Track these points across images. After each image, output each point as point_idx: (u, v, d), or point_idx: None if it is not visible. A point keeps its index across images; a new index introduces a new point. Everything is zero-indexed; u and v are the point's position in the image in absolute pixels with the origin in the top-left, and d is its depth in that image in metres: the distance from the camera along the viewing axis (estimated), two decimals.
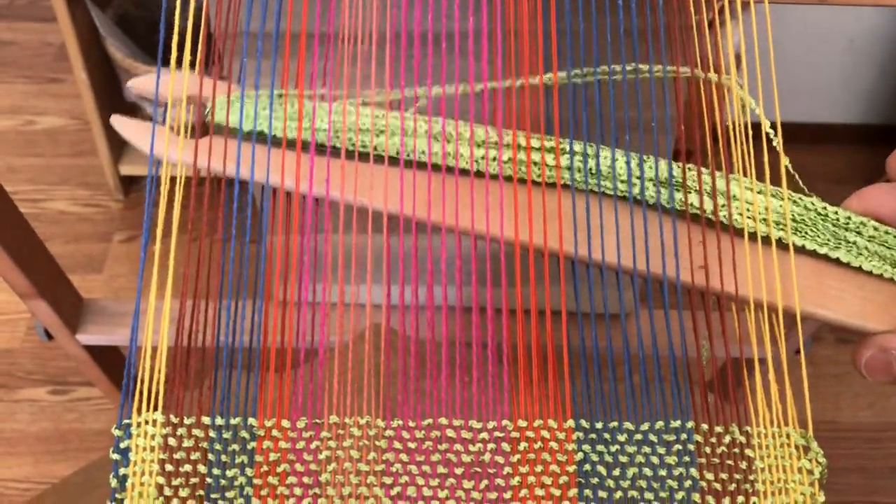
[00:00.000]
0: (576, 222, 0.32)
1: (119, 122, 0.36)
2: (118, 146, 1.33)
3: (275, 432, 0.30)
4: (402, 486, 0.30)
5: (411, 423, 0.30)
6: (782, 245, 0.32)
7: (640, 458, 0.30)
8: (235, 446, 0.30)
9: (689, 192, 0.32)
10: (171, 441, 0.29)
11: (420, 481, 0.30)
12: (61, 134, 1.50)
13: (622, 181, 0.33)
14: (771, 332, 0.32)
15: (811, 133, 1.47)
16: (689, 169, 0.33)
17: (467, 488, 0.30)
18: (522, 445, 0.30)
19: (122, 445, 0.29)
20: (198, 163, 0.33)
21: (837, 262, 0.33)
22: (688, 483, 0.29)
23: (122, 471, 0.29)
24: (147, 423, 0.29)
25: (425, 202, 0.32)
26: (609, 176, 0.33)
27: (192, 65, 0.33)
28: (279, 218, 0.33)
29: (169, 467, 0.29)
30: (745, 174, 0.33)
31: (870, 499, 1.14)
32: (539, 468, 0.30)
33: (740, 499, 0.29)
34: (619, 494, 0.29)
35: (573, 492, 0.29)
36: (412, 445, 0.30)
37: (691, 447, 0.30)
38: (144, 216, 0.31)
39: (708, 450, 0.30)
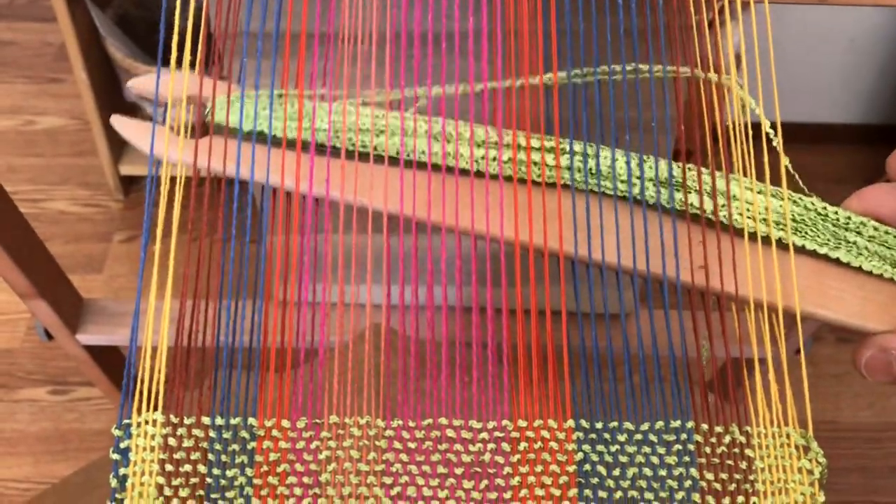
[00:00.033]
0: (575, 222, 0.32)
1: (119, 122, 0.36)
2: (118, 146, 1.33)
3: (275, 432, 0.30)
4: (402, 486, 0.30)
5: (411, 423, 0.30)
6: (782, 245, 0.32)
7: (640, 458, 0.30)
8: (235, 446, 0.30)
9: (689, 192, 0.32)
10: (171, 441, 0.29)
11: (420, 481, 0.30)
12: (61, 134, 1.50)
13: (622, 181, 0.33)
14: (771, 331, 0.32)
15: (811, 133, 1.47)
16: (689, 169, 0.33)
17: (467, 488, 0.30)
18: (522, 445, 0.30)
19: (122, 445, 0.29)
20: (197, 163, 0.33)
21: (837, 262, 0.33)
22: (688, 483, 0.29)
23: (122, 471, 0.29)
24: (147, 423, 0.29)
25: (425, 202, 0.32)
26: (609, 176, 0.33)
27: (193, 65, 0.33)
28: (279, 218, 0.33)
29: (169, 467, 0.29)
30: (745, 174, 0.33)
31: (870, 498, 1.14)
32: (539, 468, 0.30)
33: (740, 499, 0.29)
34: (619, 494, 0.29)
35: (573, 492, 0.29)
36: (412, 445, 0.30)
37: (691, 447, 0.30)
38: (144, 216, 0.31)
39: (708, 450, 0.30)
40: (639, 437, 0.30)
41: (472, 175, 0.33)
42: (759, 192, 0.33)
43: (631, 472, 0.30)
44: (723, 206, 0.32)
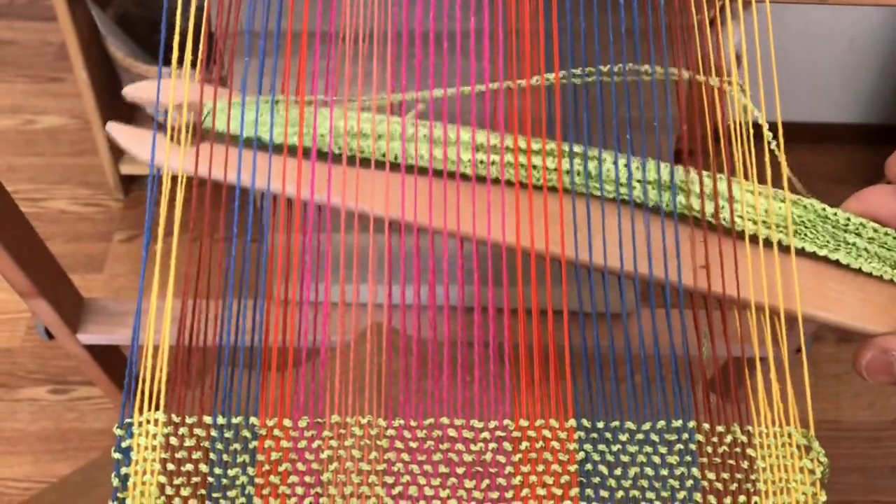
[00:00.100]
0: (576, 226, 0.32)
1: (115, 130, 0.35)
2: (118, 145, 1.33)
3: (276, 431, 0.30)
4: (404, 486, 0.30)
5: (413, 423, 0.30)
6: (783, 247, 0.32)
7: (641, 458, 0.30)
8: (237, 445, 0.30)
9: (691, 196, 0.32)
10: (173, 440, 0.29)
11: (422, 481, 0.30)
12: (62, 133, 1.50)
13: (623, 185, 0.33)
14: (772, 331, 0.32)
15: (812, 133, 1.47)
16: (690, 172, 0.33)
17: (469, 488, 0.30)
18: (524, 445, 0.30)
19: (123, 444, 0.29)
20: (195, 170, 0.33)
21: (837, 263, 0.33)
22: (689, 483, 0.29)
23: (123, 470, 0.29)
24: (149, 422, 0.29)
25: (426, 208, 0.32)
26: (610, 179, 0.33)
27: (194, 64, 0.33)
28: (280, 217, 0.33)
29: (171, 466, 0.29)
30: (745, 175, 0.33)
31: (870, 498, 1.14)
32: (541, 468, 0.30)
33: (742, 498, 0.29)
34: (620, 494, 0.29)
35: (575, 491, 0.29)
36: (414, 445, 0.30)
37: (693, 447, 0.30)
38: (146, 215, 0.31)
39: (709, 449, 0.30)
40: (640, 436, 0.30)
41: (473, 180, 0.33)
42: (760, 195, 0.33)
43: (632, 471, 0.30)
44: (723, 208, 0.32)
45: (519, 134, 0.33)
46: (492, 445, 0.30)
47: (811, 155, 1.46)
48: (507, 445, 0.30)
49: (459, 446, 0.30)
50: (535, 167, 0.33)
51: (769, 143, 0.33)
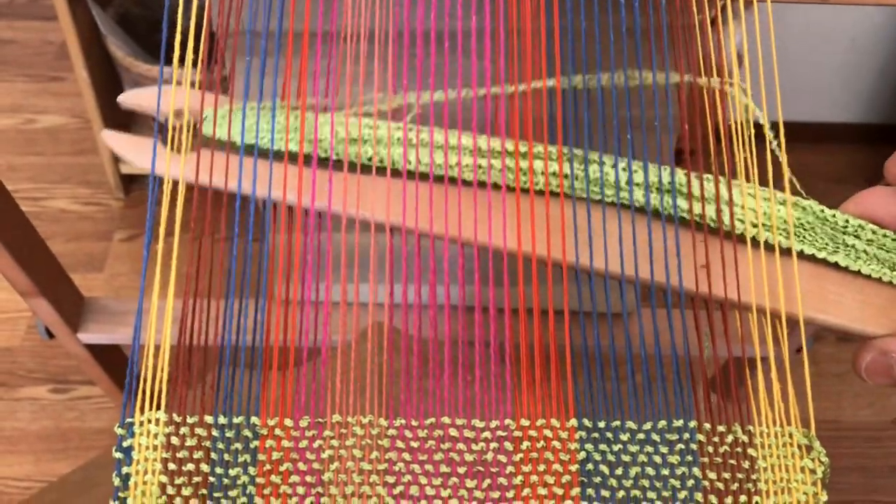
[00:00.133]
0: (577, 231, 0.32)
1: (111, 138, 0.35)
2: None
3: (277, 431, 0.30)
4: (405, 486, 0.30)
5: (414, 422, 0.30)
6: (783, 250, 0.32)
7: (642, 458, 0.30)
8: (238, 445, 0.30)
9: (691, 198, 0.32)
10: (174, 440, 0.29)
11: (423, 480, 0.30)
12: (62, 132, 1.50)
13: (623, 189, 0.33)
14: (773, 331, 0.32)
15: (812, 132, 1.47)
16: (693, 177, 0.33)
17: (470, 487, 0.30)
18: (525, 445, 0.30)
19: (125, 444, 0.29)
20: (191, 176, 0.32)
21: (836, 266, 0.33)
22: (690, 483, 0.29)
23: (125, 469, 0.29)
24: (150, 421, 0.29)
25: (427, 214, 0.32)
26: (610, 183, 0.33)
27: (195, 63, 0.33)
28: (281, 217, 0.33)
29: (172, 466, 0.29)
30: (746, 175, 0.33)
31: (870, 497, 1.14)
32: (542, 467, 0.30)
33: (743, 498, 0.29)
34: (621, 494, 0.29)
35: (576, 491, 0.29)
36: (415, 444, 0.30)
37: (694, 446, 0.30)
38: (147, 215, 0.31)
39: (710, 449, 0.30)
40: (641, 436, 0.30)
41: (474, 185, 0.33)
42: (760, 198, 0.33)
43: (633, 471, 0.30)
44: (723, 211, 0.32)
45: (520, 138, 0.33)
46: (493, 445, 0.30)
47: (812, 154, 1.46)
48: (508, 445, 0.30)
49: (461, 446, 0.30)
50: (535, 172, 0.33)
51: (770, 142, 0.33)
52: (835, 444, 1.18)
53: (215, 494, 0.29)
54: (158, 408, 0.30)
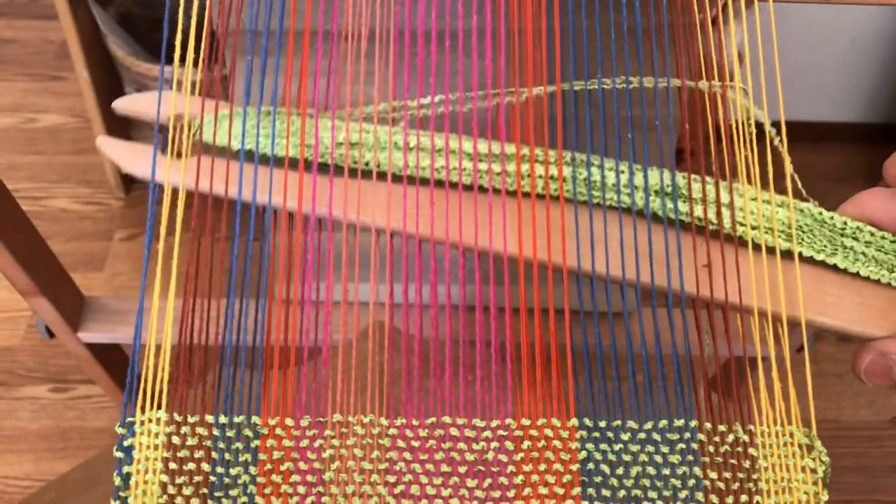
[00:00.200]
0: (578, 235, 0.32)
1: (107, 145, 0.35)
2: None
3: (278, 430, 0.30)
4: (406, 485, 0.30)
5: (415, 422, 0.30)
6: (782, 252, 0.32)
7: (643, 457, 0.30)
8: (239, 444, 0.30)
9: (694, 202, 0.32)
10: (175, 439, 0.29)
11: (423, 480, 0.30)
12: (62, 132, 1.50)
13: (624, 192, 0.33)
14: (773, 330, 0.32)
15: (813, 132, 1.47)
16: (694, 180, 0.33)
17: (471, 487, 0.30)
18: (526, 444, 0.30)
19: (125, 443, 0.29)
20: (190, 182, 0.32)
21: (835, 268, 0.33)
22: (691, 482, 0.29)
23: (125, 469, 0.29)
24: (151, 421, 0.29)
25: (427, 220, 0.32)
26: (610, 187, 0.33)
27: (195, 63, 0.33)
28: (282, 217, 0.33)
29: (173, 465, 0.29)
30: (748, 175, 0.33)
31: (870, 497, 1.14)
32: (542, 467, 0.30)
33: (744, 498, 0.29)
34: (622, 493, 0.29)
35: (577, 491, 0.29)
36: (416, 444, 0.30)
37: (695, 446, 0.30)
38: (148, 214, 0.31)
39: (711, 448, 0.30)
40: (642, 435, 0.30)
41: (475, 190, 0.33)
42: (764, 201, 0.33)
43: (634, 470, 0.30)
44: (724, 211, 0.32)
45: (520, 141, 0.33)
46: (494, 444, 0.30)
47: (812, 154, 1.46)
48: (509, 444, 0.30)
49: (461, 445, 0.30)
50: (536, 176, 0.33)
51: (772, 140, 0.33)
52: (834, 443, 1.18)
53: (216, 494, 0.29)
54: (159, 407, 0.30)
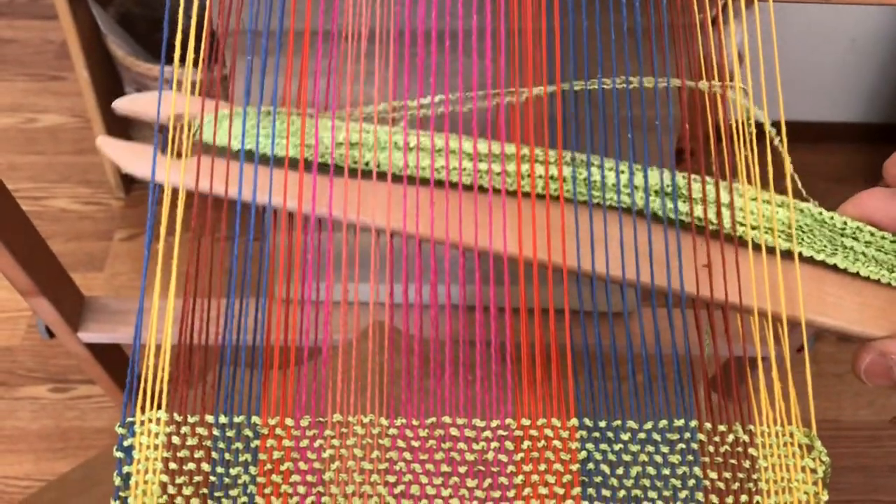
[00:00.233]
0: (579, 235, 0.32)
1: (107, 145, 0.35)
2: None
3: (278, 430, 0.30)
4: (406, 485, 0.30)
5: (415, 422, 0.30)
6: (782, 253, 0.32)
7: (643, 457, 0.30)
8: (239, 444, 0.30)
9: (696, 203, 0.32)
10: (175, 439, 0.29)
11: (423, 480, 0.30)
12: (62, 132, 1.50)
13: (625, 193, 0.32)
14: (773, 330, 0.32)
15: (813, 132, 1.47)
16: (694, 180, 0.33)
17: (471, 487, 0.30)
18: (526, 444, 0.30)
19: (125, 443, 0.29)
20: (190, 182, 0.32)
21: (835, 268, 0.33)
22: (691, 482, 0.29)
23: (125, 469, 0.29)
24: (151, 421, 0.29)
25: (428, 220, 0.32)
26: (610, 187, 0.33)
27: (195, 63, 0.33)
28: (282, 220, 0.33)
29: (173, 465, 0.29)
30: (748, 175, 0.33)
31: (870, 497, 1.14)
32: (542, 467, 0.30)
33: (744, 498, 0.29)
34: (622, 493, 0.29)
35: (577, 491, 0.29)
36: (416, 444, 0.30)
37: (695, 446, 0.30)
38: (148, 214, 0.31)
39: (711, 448, 0.30)
40: (642, 435, 0.30)
41: (475, 190, 0.33)
42: (765, 202, 0.33)
43: (634, 470, 0.30)
44: (724, 211, 0.32)
45: (520, 141, 0.33)
46: (494, 444, 0.30)
47: (812, 154, 1.46)
48: (509, 444, 0.30)
49: (461, 445, 0.30)
50: (536, 176, 0.33)
51: (772, 140, 0.33)
52: (834, 443, 1.18)
53: (216, 494, 0.29)
54: (159, 407, 0.30)
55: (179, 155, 0.33)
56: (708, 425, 0.30)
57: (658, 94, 0.33)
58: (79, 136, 1.48)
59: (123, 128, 1.27)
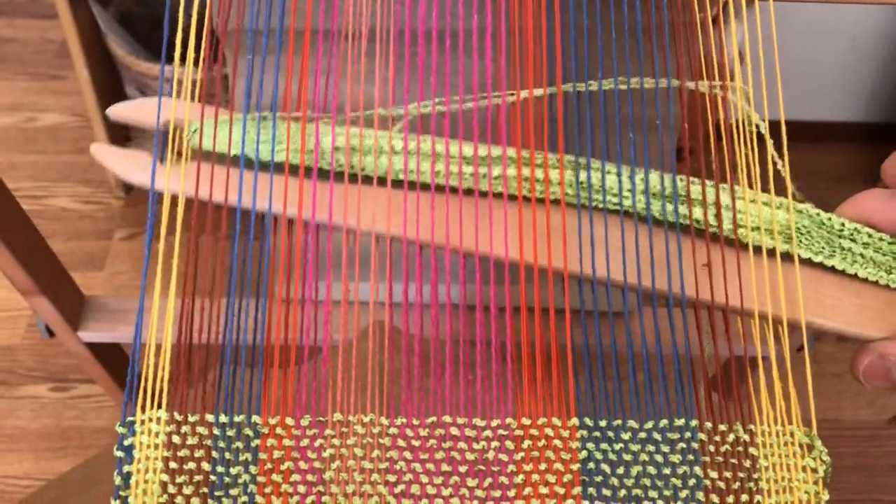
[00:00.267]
0: (580, 239, 0.32)
1: (101, 152, 0.34)
2: (119, 143, 1.33)
3: (278, 430, 0.30)
4: (406, 485, 0.30)
5: (415, 421, 0.30)
6: (781, 255, 0.32)
7: (644, 457, 0.30)
8: (239, 444, 0.30)
9: (695, 206, 0.32)
10: (176, 438, 0.29)
11: (424, 479, 0.30)
12: (62, 131, 1.50)
13: (626, 196, 0.32)
14: (774, 330, 0.32)
15: (813, 131, 1.47)
16: (693, 183, 0.33)
17: (471, 486, 0.30)
18: (526, 443, 0.30)
19: (126, 443, 0.29)
20: (189, 189, 0.32)
21: (833, 269, 0.33)
22: (692, 481, 0.29)
23: (126, 468, 0.29)
24: (151, 420, 0.29)
25: (428, 225, 0.32)
26: (611, 190, 0.33)
27: (196, 62, 0.33)
28: (282, 222, 0.33)
29: (173, 465, 0.29)
30: (748, 175, 0.33)
31: (870, 496, 1.14)
32: (543, 466, 0.30)
33: (744, 497, 0.29)
34: (623, 493, 0.29)
35: (577, 490, 0.29)
36: (416, 443, 0.30)
37: (695, 445, 0.30)
38: (148, 213, 0.31)
39: (712, 448, 0.30)
40: (643, 435, 0.30)
41: (476, 195, 0.33)
42: (764, 204, 0.33)
43: (635, 470, 0.30)
44: (724, 213, 0.32)
45: (521, 144, 0.33)
46: (494, 444, 0.30)
47: (812, 154, 1.46)
48: (509, 444, 0.30)
49: (462, 445, 0.30)
50: (536, 180, 0.33)
51: (771, 147, 0.33)
52: (835, 443, 1.18)
53: (216, 493, 0.29)
54: (159, 406, 0.29)
55: (179, 155, 0.33)
56: (708, 425, 0.30)
57: (658, 93, 0.33)
58: (79, 136, 1.48)
59: (123, 127, 1.27)
